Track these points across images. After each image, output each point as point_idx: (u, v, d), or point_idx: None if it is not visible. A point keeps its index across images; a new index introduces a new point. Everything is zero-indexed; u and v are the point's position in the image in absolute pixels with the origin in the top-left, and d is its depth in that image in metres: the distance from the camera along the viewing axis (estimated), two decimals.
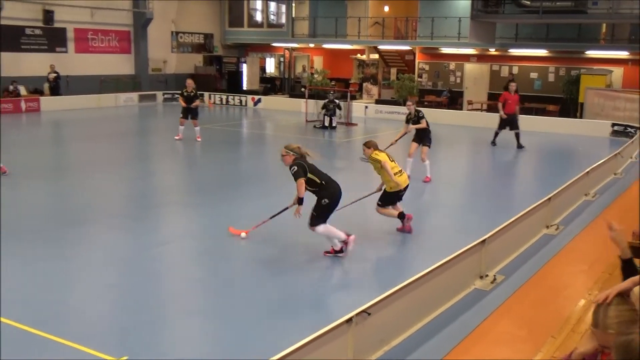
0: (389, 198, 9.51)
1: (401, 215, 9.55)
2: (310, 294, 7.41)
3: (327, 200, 8.09)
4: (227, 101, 31.90)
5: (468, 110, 28.21)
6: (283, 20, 35.56)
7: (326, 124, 22.76)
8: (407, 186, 9.54)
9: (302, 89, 29.13)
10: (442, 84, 30.52)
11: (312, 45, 34.39)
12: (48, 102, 26.88)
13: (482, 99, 29.01)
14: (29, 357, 5.64)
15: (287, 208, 8.78)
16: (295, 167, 7.97)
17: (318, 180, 8.09)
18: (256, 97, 31.47)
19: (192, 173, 15.10)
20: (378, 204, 9.59)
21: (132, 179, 14.02)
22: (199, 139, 18.19)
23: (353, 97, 27.86)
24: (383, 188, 9.58)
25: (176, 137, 18.24)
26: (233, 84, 33.63)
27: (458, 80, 30.27)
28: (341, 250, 8.33)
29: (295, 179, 7.98)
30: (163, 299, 7.16)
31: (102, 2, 29.55)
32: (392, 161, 9.35)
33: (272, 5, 36.82)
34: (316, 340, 4.71)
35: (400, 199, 9.60)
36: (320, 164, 8.50)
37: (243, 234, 8.97)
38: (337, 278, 8.17)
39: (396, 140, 13.58)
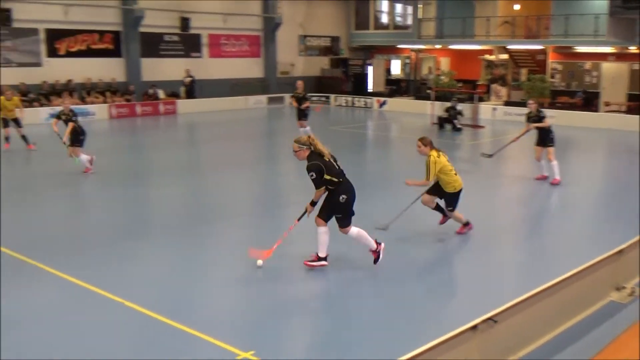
0: (455, 199, 9.13)
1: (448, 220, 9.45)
2: (434, 299, 7.30)
3: (344, 197, 7.66)
4: (353, 103, 32.15)
5: (605, 112, 26.68)
6: (409, 21, 35.35)
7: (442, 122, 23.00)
8: (461, 190, 9.15)
9: (428, 91, 28.82)
10: (577, 85, 29.07)
11: (438, 46, 33.91)
12: (184, 104, 28.35)
13: (621, 100, 27.33)
14: (158, 344, 5.95)
15: (305, 212, 8.11)
16: (314, 174, 7.53)
17: (336, 179, 7.66)
18: (381, 99, 31.48)
19: None
20: (449, 210, 9.24)
21: (259, 180, 14.47)
22: None
23: (480, 99, 27.18)
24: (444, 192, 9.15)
25: None
26: (358, 86, 33.84)
27: (594, 81, 28.68)
28: (325, 259, 7.85)
29: (316, 187, 7.63)
30: (288, 298, 7.31)
31: (235, 8, 30.73)
32: (448, 162, 9.03)
33: (398, 7, 36.69)
34: (439, 346, 4.63)
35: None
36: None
37: (260, 262, 7.90)
38: (462, 282, 7.98)
39: (518, 138, 13.47)
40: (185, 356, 5.73)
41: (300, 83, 18.77)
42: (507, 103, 28.18)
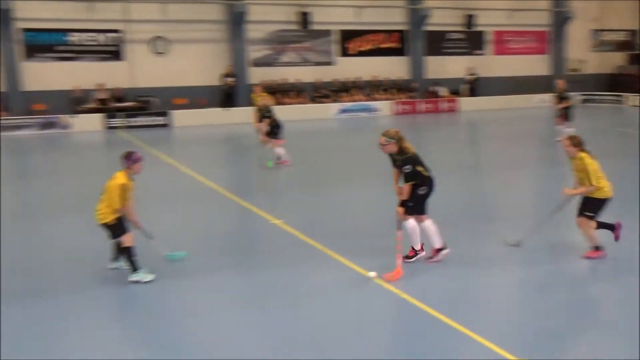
0: (600, 206, 7.60)
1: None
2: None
3: (425, 189, 7.49)
4: None
5: None
6: None
7: None
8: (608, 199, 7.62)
9: None
10: None
11: None
12: (465, 102, 28.37)
13: None
14: (424, 335, 6.01)
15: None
16: (410, 167, 7.32)
17: (426, 174, 7.48)
18: None
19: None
20: (585, 215, 7.62)
21: (537, 181, 13.91)
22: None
23: None
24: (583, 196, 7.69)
25: (558, 139, 17.57)
26: None
27: None
28: (445, 247, 7.76)
29: (406, 181, 7.40)
30: (563, 301, 6.89)
31: (522, 4, 29.82)
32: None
33: None
34: None
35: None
36: None
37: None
38: None
39: None
40: (451, 351, 5.72)
41: (560, 82, 18.39)
42: None
